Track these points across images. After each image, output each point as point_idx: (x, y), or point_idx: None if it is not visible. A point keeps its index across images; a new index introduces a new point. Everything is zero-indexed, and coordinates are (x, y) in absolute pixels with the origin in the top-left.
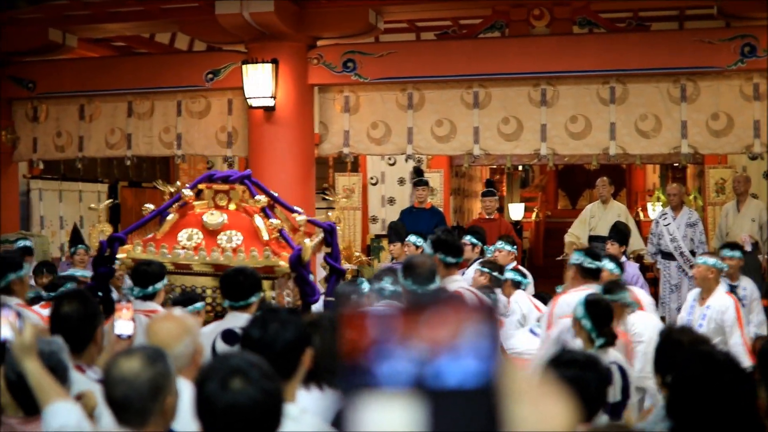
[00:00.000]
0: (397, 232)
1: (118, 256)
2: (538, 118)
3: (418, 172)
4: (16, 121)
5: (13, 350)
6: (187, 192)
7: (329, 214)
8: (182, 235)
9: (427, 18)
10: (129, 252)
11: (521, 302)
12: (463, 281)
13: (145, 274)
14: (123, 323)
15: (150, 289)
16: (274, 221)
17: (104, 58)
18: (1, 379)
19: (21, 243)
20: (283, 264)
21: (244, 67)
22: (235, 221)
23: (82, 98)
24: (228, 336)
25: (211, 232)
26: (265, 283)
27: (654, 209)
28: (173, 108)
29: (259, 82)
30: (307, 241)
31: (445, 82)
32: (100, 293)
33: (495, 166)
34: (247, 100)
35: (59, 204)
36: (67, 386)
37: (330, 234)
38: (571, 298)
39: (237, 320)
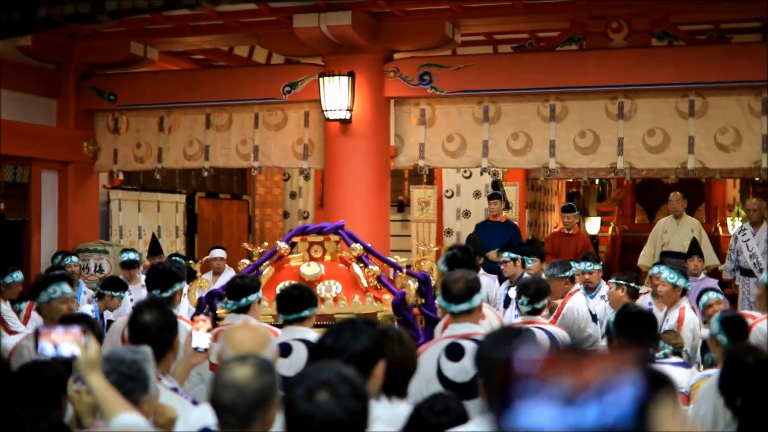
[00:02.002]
0: (473, 245)
1: (218, 311)
2: (615, 132)
3: (495, 185)
4: (97, 132)
5: (78, 365)
6: (282, 245)
7: (422, 264)
8: (279, 289)
9: (504, 31)
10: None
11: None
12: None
13: (238, 287)
14: (200, 336)
15: (243, 301)
16: (373, 268)
17: (184, 70)
18: (70, 390)
19: (126, 256)
20: (387, 309)
21: (321, 79)
22: (332, 271)
23: (162, 110)
24: (282, 348)
25: (309, 284)
26: None
27: (734, 224)
28: (251, 120)
29: (336, 94)
30: (410, 282)
31: (521, 95)
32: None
33: (571, 180)
34: (324, 112)
35: (138, 214)
36: (147, 396)
37: (425, 284)
38: None
39: (293, 333)
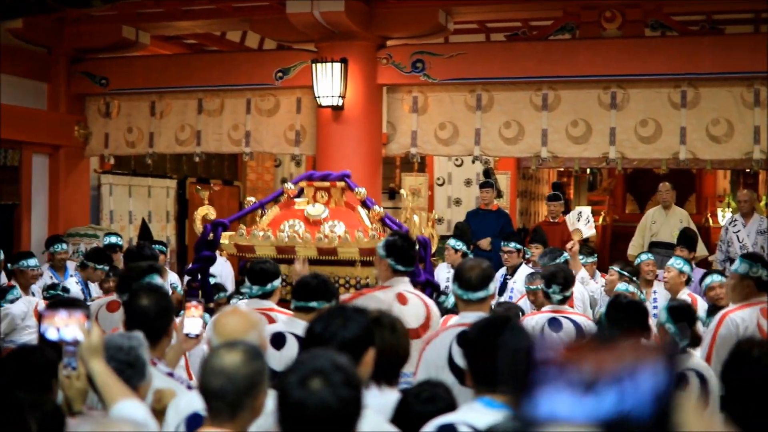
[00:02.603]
0: (461, 233)
1: (222, 240)
2: (607, 121)
3: (487, 174)
4: (88, 116)
5: (81, 351)
6: (290, 186)
7: (423, 230)
8: (284, 226)
9: (497, 19)
10: (232, 237)
11: None
12: (409, 284)
13: (263, 272)
14: (191, 322)
15: (269, 287)
16: (377, 209)
17: (176, 55)
18: (60, 375)
19: (107, 239)
20: None
21: (313, 66)
22: (336, 213)
23: (154, 95)
24: (275, 339)
25: (313, 223)
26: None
27: (724, 215)
28: (243, 106)
29: (328, 81)
30: (415, 217)
31: (514, 83)
32: (199, 277)
33: (562, 169)
34: (316, 98)
35: (129, 199)
36: (144, 382)
37: (424, 248)
38: (745, 314)
39: (292, 325)
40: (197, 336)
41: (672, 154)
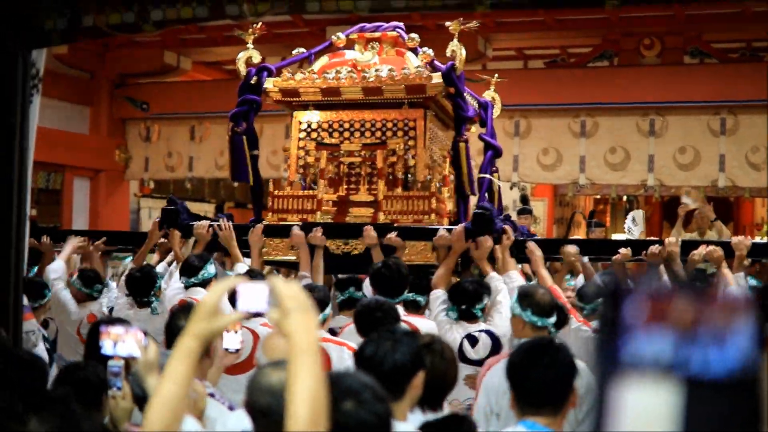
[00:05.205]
0: None
1: (266, 85)
2: (645, 149)
3: (524, 200)
4: (129, 140)
5: (138, 367)
6: (339, 36)
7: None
8: (331, 71)
9: (536, 46)
10: (276, 82)
11: None
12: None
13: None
14: (231, 337)
15: (320, 317)
16: (428, 50)
17: (216, 81)
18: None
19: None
20: (437, 79)
21: None
22: (386, 61)
23: (193, 120)
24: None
25: (361, 69)
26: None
27: None
28: (281, 131)
29: None
30: (462, 49)
31: (552, 110)
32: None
33: (599, 196)
34: None
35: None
36: (187, 399)
37: (485, 110)
38: None
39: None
40: (237, 350)
41: (711, 181)
